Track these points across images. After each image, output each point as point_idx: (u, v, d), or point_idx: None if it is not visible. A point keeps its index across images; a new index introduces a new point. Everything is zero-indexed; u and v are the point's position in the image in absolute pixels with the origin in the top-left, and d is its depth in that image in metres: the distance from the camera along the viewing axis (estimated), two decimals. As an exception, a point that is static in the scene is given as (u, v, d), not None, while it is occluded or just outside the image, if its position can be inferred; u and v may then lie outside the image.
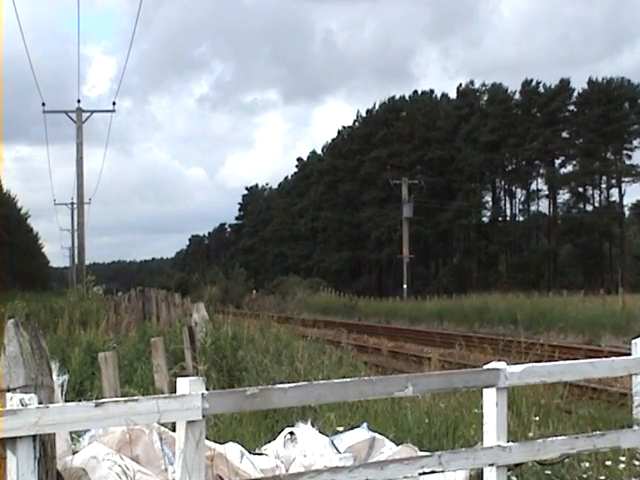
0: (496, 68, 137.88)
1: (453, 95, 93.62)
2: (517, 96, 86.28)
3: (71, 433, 5.34)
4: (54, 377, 4.83)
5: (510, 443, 4.91)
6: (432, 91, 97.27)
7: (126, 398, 4.04)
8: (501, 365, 4.94)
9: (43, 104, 36.88)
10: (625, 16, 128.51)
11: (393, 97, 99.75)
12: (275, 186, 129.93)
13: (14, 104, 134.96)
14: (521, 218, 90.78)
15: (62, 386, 4.96)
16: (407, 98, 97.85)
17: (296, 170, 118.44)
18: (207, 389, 4.16)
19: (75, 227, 58.05)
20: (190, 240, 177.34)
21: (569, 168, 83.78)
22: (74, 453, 5.19)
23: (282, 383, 4.55)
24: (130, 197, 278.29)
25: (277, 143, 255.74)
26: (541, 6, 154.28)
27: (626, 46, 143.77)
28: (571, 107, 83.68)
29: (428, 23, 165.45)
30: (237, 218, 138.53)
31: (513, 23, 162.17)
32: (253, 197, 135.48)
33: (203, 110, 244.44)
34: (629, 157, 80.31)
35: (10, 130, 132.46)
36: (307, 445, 5.96)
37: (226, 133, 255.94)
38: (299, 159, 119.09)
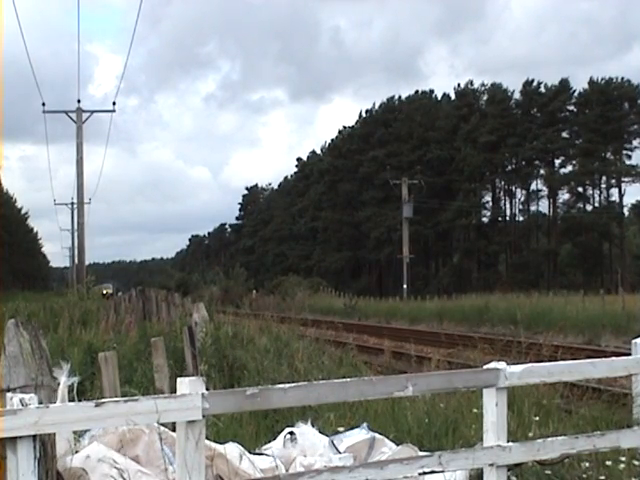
0: (505, 66, 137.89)
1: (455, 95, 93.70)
2: (517, 96, 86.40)
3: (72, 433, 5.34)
4: (63, 378, 4.82)
5: (510, 443, 4.90)
6: (432, 91, 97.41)
7: (126, 398, 4.03)
8: (501, 365, 4.94)
9: (43, 104, 37.02)
10: (635, 15, 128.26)
11: (392, 97, 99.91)
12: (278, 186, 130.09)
13: (20, 103, 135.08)
14: (521, 218, 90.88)
15: (72, 387, 4.96)
16: (406, 98, 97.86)
17: (296, 170, 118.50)
18: (207, 389, 4.15)
19: (75, 227, 58.06)
20: (190, 240, 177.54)
21: (569, 168, 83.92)
22: (74, 453, 5.19)
23: (282, 383, 4.55)
24: (133, 197, 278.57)
25: (283, 142, 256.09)
26: (551, 4, 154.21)
27: (636, 45, 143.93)
28: (571, 107, 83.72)
29: (437, 20, 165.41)
30: (237, 218, 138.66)
31: (522, 21, 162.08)
32: (253, 197, 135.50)
33: (209, 109, 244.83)
34: (629, 157, 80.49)
35: (16, 129, 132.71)
36: (307, 445, 5.96)
37: (232, 132, 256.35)
38: (299, 159, 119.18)
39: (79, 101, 36.82)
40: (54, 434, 4.31)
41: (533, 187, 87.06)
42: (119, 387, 6.61)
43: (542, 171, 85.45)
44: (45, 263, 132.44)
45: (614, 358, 5.85)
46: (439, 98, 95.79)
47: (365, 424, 6.55)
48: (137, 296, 26.09)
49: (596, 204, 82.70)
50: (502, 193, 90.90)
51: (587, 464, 5.94)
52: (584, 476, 5.87)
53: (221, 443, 5.62)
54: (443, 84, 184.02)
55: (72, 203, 64.41)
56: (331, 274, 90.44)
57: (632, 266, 78.75)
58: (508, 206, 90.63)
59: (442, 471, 4.73)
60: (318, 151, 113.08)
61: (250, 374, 10.41)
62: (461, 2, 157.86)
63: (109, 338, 14.38)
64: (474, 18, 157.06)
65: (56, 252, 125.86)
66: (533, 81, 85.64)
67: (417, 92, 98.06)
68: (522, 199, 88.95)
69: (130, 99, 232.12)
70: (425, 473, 4.63)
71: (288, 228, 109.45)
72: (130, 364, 11.39)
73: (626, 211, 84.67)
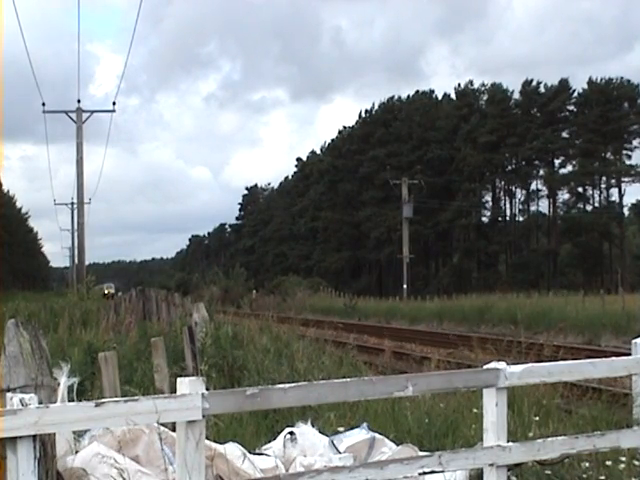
0: (506, 66, 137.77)
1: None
2: (517, 96, 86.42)
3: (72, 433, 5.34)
4: (64, 378, 4.82)
5: (510, 443, 4.90)
6: (432, 91, 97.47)
7: (126, 398, 4.03)
8: (501, 365, 4.94)
9: (43, 104, 37.04)
10: (636, 14, 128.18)
11: (392, 97, 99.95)
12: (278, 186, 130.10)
13: (20, 103, 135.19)
14: (521, 218, 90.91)
15: (72, 388, 4.96)
16: (406, 98, 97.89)
17: (296, 170, 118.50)
18: (207, 389, 4.15)
19: (75, 227, 58.05)
20: (190, 240, 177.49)
21: (569, 168, 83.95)
22: (74, 453, 5.19)
23: (282, 383, 4.55)
24: (133, 196, 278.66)
25: (283, 142, 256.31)
26: (552, 4, 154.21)
27: (637, 45, 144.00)
28: (571, 107, 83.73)
29: (438, 20, 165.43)
30: (237, 218, 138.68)
31: (524, 21, 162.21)
32: (253, 197, 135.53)
33: (210, 109, 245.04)
34: (629, 157, 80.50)
35: (16, 129, 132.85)
36: (307, 445, 5.96)
37: (232, 132, 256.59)
38: (299, 159, 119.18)
39: (79, 101, 36.87)
40: (54, 434, 4.31)
41: (533, 187, 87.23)
42: (119, 387, 6.61)
43: (542, 171, 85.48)
44: (45, 263, 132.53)
45: (614, 358, 5.85)
46: (439, 98, 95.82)
47: (365, 424, 6.55)
48: (137, 296, 26.10)
49: (596, 204, 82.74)
50: (502, 193, 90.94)
51: (587, 464, 5.93)
52: (584, 476, 5.86)
53: (221, 443, 5.62)
54: (444, 84, 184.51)
55: (72, 203, 64.44)
56: (331, 274, 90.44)
57: (632, 266, 78.77)
58: (508, 206, 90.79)
59: (442, 471, 4.73)
60: (318, 151, 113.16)
61: (250, 374, 10.40)
62: (463, 2, 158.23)
63: (109, 338, 14.36)
64: (476, 18, 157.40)
65: (56, 252, 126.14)
66: (532, 81, 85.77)
67: (417, 92, 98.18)
68: (522, 199, 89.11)
69: (131, 99, 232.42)
70: (425, 473, 4.63)
71: (288, 228, 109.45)
72: (130, 364, 11.38)
73: (626, 211, 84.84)
